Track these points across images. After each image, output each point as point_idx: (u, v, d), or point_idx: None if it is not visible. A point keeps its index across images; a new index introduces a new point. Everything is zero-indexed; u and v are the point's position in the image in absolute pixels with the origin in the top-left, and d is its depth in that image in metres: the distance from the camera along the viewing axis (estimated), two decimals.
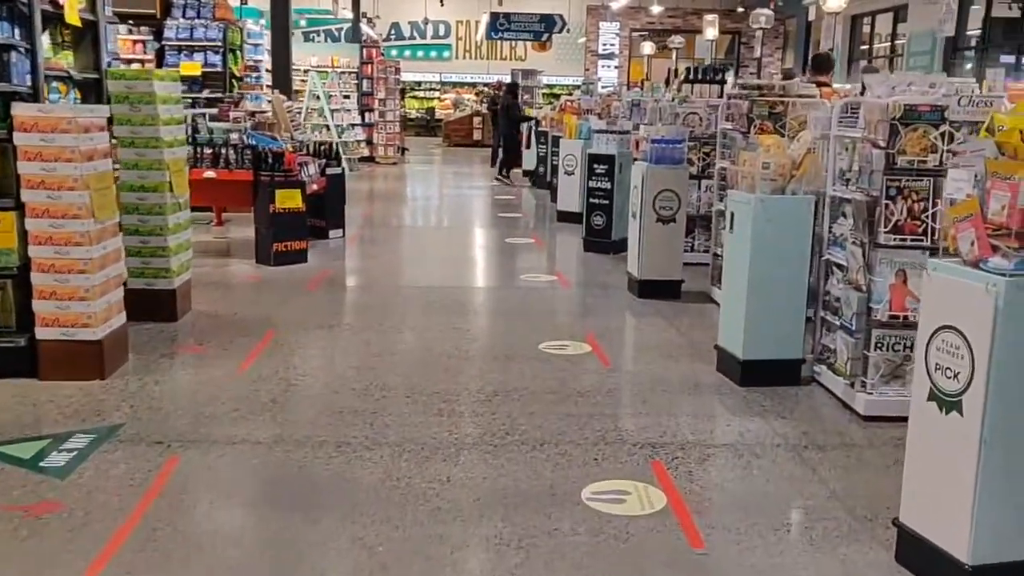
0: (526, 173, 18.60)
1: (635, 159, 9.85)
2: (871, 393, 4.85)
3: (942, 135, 4.60)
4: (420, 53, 33.84)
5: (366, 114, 21.63)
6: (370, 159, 21.46)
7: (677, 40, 14.82)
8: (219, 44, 12.26)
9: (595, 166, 9.96)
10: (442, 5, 24.86)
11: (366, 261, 9.61)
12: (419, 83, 34.49)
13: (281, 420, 4.67)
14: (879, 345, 4.82)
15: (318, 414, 4.78)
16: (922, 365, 3.23)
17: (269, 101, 11.55)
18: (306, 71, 20.58)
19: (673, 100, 9.38)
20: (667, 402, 5.10)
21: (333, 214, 10.54)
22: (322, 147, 10.52)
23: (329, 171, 10.41)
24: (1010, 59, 18.43)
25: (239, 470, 4.10)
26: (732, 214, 5.49)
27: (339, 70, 21.34)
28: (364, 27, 25.99)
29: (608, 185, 9.90)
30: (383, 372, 5.51)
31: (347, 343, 6.20)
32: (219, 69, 12.26)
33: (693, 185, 8.80)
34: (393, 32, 33.51)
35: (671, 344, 6.32)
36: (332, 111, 19.13)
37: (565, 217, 12.25)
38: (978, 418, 2.97)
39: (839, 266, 5.22)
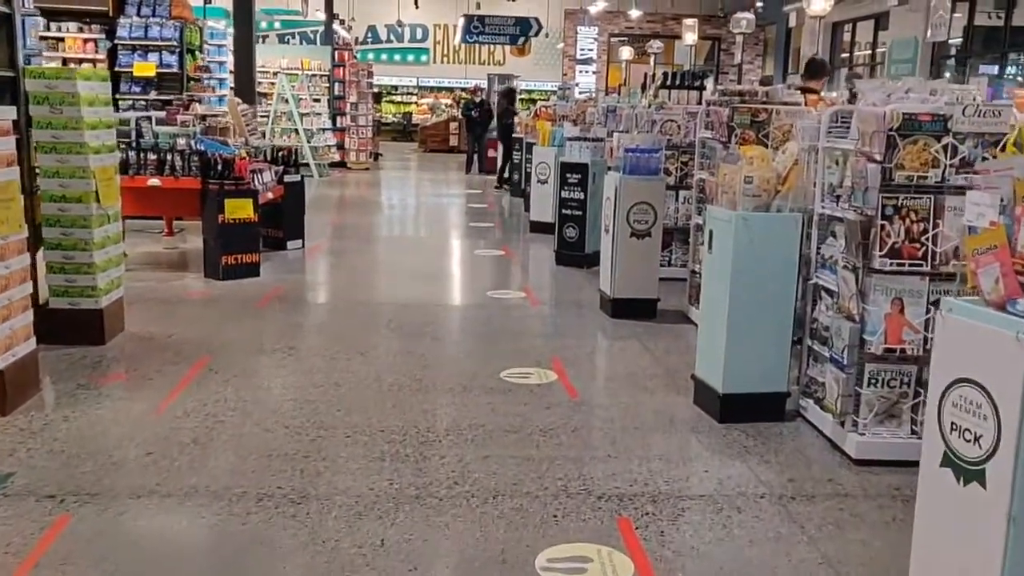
0: (500, 180, 18.09)
1: (609, 168, 9.37)
2: (863, 434, 4.35)
3: (944, 148, 4.11)
4: (397, 57, 33.29)
5: (338, 118, 21.05)
6: (341, 164, 20.87)
7: (656, 45, 14.39)
8: (175, 44, 11.66)
9: (568, 175, 9.45)
10: (416, 7, 24.27)
11: (324, 275, 9.04)
12: (396, 87, 33.94)
13: (199, 467, 4.11)
14: (873, 381, 4.32)
15: (243, 459, 4.22)
16: (934, 423, 2.71)
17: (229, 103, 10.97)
18: (275, 74, 20.00)
19: (649, 106, 8.89)
20: (639, 442, 4.57)
21: (292, 224, 9.98)
22: (280, 153, 9.94)
23: (287, 179, 9.84)
24: (991, 68, 18.15)
25: (136, 534, 3.53)
26: (711, 232, 4.98)
27: (310, 73, 20.75)
28: (337, 28, 25.43)
29: (581, 195, 9.39)
30: (324, 407, 4.95)
31: (289, 371, 5.63)
32: (175, 70, 11.65)
33: (670, 196, 8.32)
34: (370, 35, 32.94)
35: (645, 372, 5.80)
36: (301, 115, 18.54)
37: (538, 227, 11.74)
38: (1006, 492, 2.45)
39: (828, 291, 4.72)
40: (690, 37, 14.39)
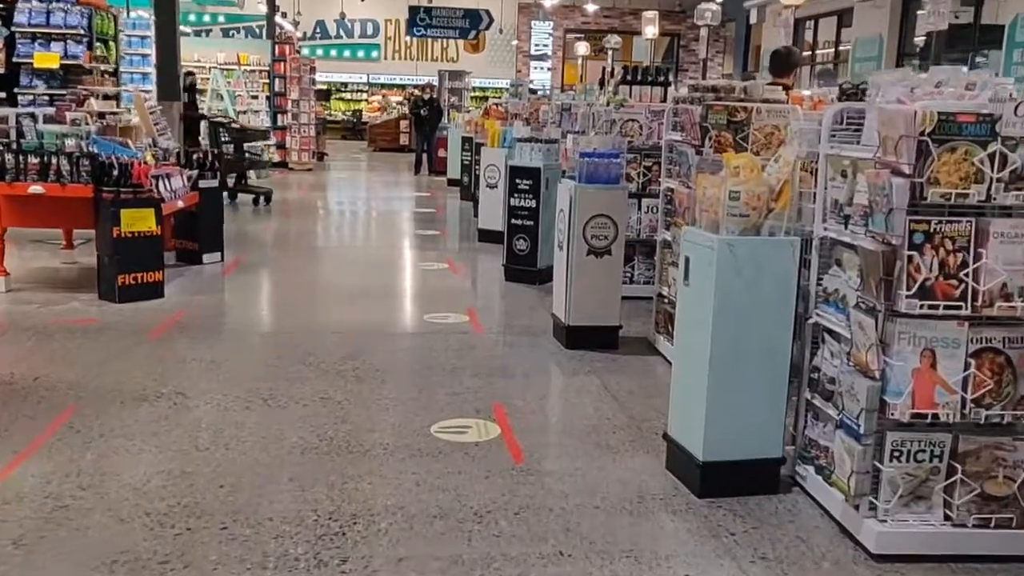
0: (451, 183, 17.09)
1: (564, 174, 8.45)
2: (885, 521, 3.42)
3: (991, 157, 3.19)
4: (347, 53, 32.12)
5: (278, 116, 19.87)
6: (282, 165, 19.70)
7: (614, 40, 13.54)
8: (82, 32, 10.44)
9: (517, 181, 8.47)
10: (362, 0, 23.14)
11: (239, 295, 7.93)
12: (345, 84, 32.77)
13: None
14: (897, 454, 3.40)
15: (76, 569, 3.17)
16: None
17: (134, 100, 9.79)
18: (211, 69, 18.76)
19: (608, 104, 7.94)
20: (600, 531, 3.59)
21: (208, 235, 8.88)
22: (195, 155, 8.82)
23: (203, 184, 8.74)
24: (958, 68, 17.52)
25: None
26: (687, 260, 4.02)
27: (247, 68, 19.53)
28: (281, 21, 24.23)
29: (533, 203, 8.42)
30: (203, 481, 3.91)
31: (170, 427, 4.57)
32: (82, 62, 10.43)
33: (632, 205, 7.38)
34: (318, 31, 31.74)
35: (607, 422, 4.83)
36: (238, 113, 17.36)
37: (487, 236, 10.74)
38: None
39: (832, 333, 3.79)
40: (650, 31, 13.52)
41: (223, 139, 13.54)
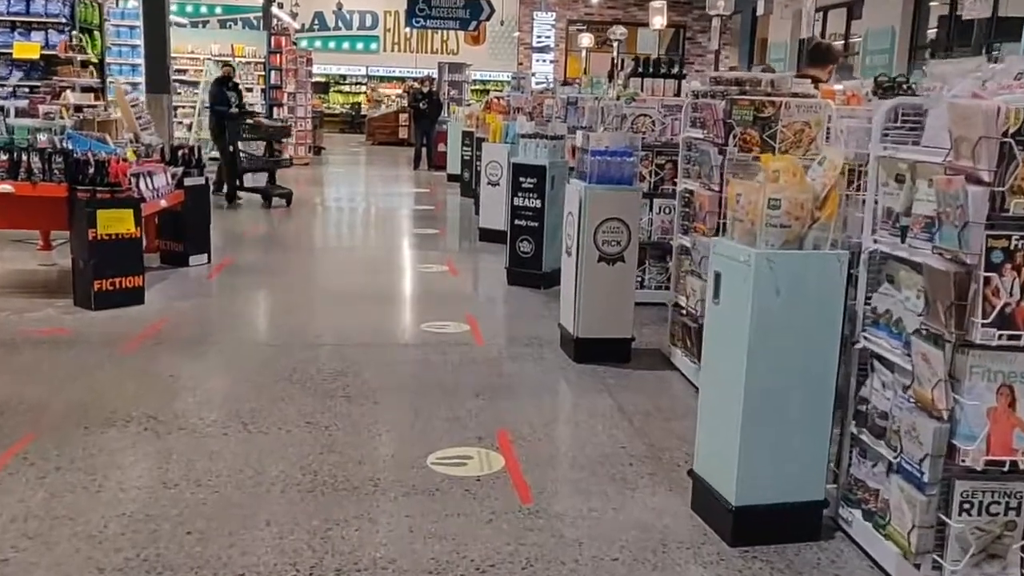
0: (451, 178, 16.61)
1: (571, 171, 7.99)
2: None
3: None
4: (346, 45, 31.57)
5: (274, 109, 19.37)
6: None
7: (619, 31, 13.03)
8: (64, 21, 9.95)
9: (521, 179, 7.98)
10: None
11: (224, 301, 7.44)
12: (344, 77, 32.25)
13: None
14: (967, 507, 2.93)
15: None
16: None
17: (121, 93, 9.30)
18: (204, 61, 18.25)
19: (618, 99, 7.45)
20: None
21: (194, 235, 8.40)
22: (180, 151, 8.34)
23: (188, 182, 8.26)
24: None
25: None
26: (718, 276, 3.55)
27: (243, 60, 19.01)
28: (279, 13, 23.70)
29: (538, 203, 7.94)
30: (168, 527, 3.44)
31: (138, 458, 4.10)
32: (58, 51, 9.93)
33: (643, 206, 6.89)
34: (316, 22, 31.19)
35: (621, 451, 4.37)
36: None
37: (489, 236, 10.27)
38: None
39: (882, 360, 3.32)
40: (658, 21, 13.02)
41: (247, 136, 12.76)
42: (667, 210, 7.35)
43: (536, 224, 7.96)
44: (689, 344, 5.40)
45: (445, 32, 29.90)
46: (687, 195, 5.66)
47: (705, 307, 5.10)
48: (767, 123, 4.98)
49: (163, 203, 7.70)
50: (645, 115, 7.29)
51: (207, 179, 8.46)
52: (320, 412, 4.74)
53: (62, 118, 7.01)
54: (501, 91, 18.73)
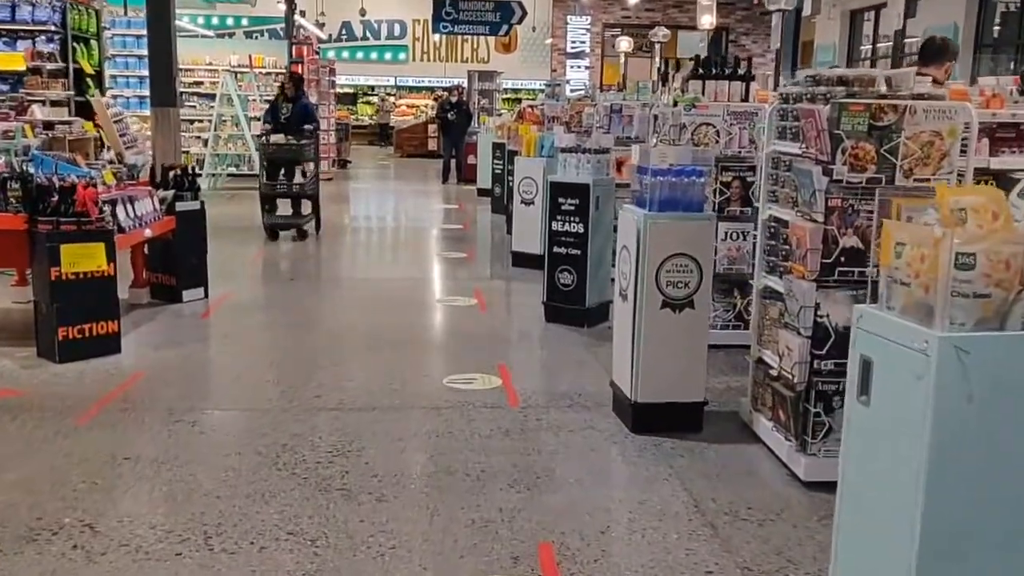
0: (481, 192, 15.54)
1: (617, 186, 6.96)
2: None
3: None
4: (374, 55, 30.71)
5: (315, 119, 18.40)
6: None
7: (661, 33, 11.91)
8: (55, 29, 9.01)
9: (561, 200, 6.87)
10: None
11: (214, 349, 6.36)
12: (372, 88, 31.38)
13: None
14: None
15: None
16: None
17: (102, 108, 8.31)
18: (222, 72, 17.35)
19: (675, 105, 6.31)
20: None
21: (188, 267, 7.38)
22: (172, 172, 7.32)
23: (180, 207, 7.24)
24: None
25: None
26: (867, 363, 2.40)
27: (262, 71, 18.09)
28: (303, 22, 22.86)
29: (580, 228, 6.82)
30: None
31: None
32: (56, 63, 8.99)
33: None
34: (344, 32, 30.35)
35: (705, 571, 3.23)
36: (249, 119, 15.95)
37: (522, 260, 9.18)
38: None
39: None
40: (707, 20, 11.89)
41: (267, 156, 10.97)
42: (734, 235, 6.23)
43: (578, 252, 6.85)
44: (782, 416, 4.24)
45: (475, 40, 28.92)
46: (773, 225, 4.51)
47: (800, 367, 3.96)
48: (886, 134, 3.83)
49: (147, 233, 6.68)
50: (708, 124, 6.16)
51: (202, 203, 7.41)
52: (308, 516, 3.64)
53: (27, 136, 6.01)
54: (534, 99, 17.66)
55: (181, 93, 17.07)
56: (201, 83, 16.97)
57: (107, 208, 5.98)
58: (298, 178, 10.39)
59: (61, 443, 4.38)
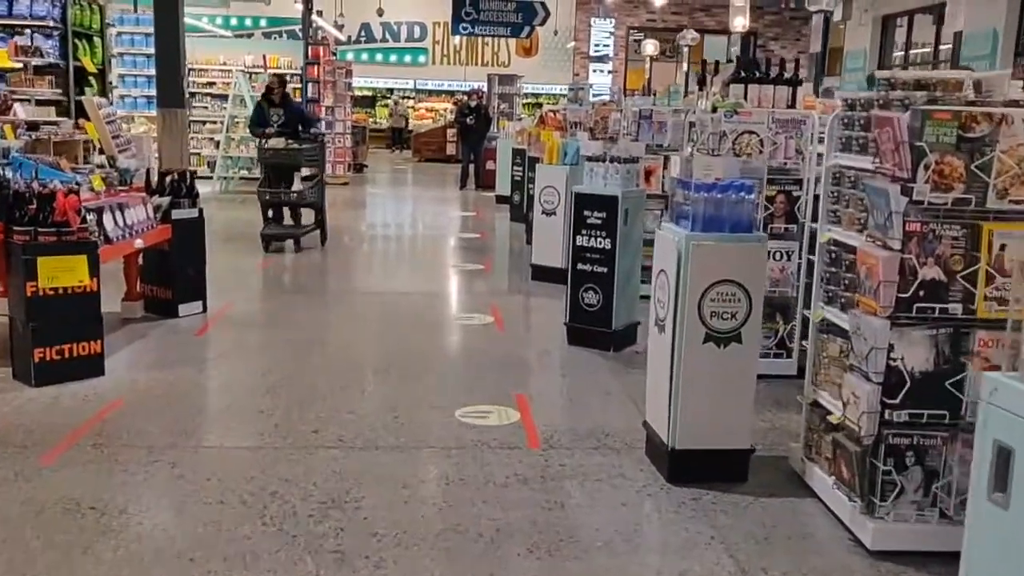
0: (500, 199, 15.02)
1: (653, 204, 6.49)
2: None
3: None
4: (393, 57, 30.28)
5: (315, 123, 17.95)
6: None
7: (690, 36, 11.35)
8: (54, 25, 8.55)
9: (587, 213, 6.33)
10: None
11: (205, 372, 5.77)
12: (391, 90, 30.94)
13: None
14: None
15: None
16: None
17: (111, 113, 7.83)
18: (235, 72, 16.92)
19: (714, 110, 5.75)
20: None
21: (185, 279, 6.88)
22: (168, 177, 6.83)
23: (177, 215, 6.74)
24: None
25: None
26: (1006, 453, 1.83)
27: (277, 71, 17.62)
28: (321, 22, 22.40)
29: (607, 244, 6.27)
30: None
31: None
32: (53, 60, 8.54)
33: None
34: (363, 34, 29.92)
35: None
36: None
37: (543, 274, 8.64)
38: None
39: None
40: (739, 22, 11.32)
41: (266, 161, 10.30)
42: (778, 255, 5.69)
43: (604, 270, 6.29)
44: (845, 472, 3.66)
45: (496, 43, 28.43)
46: (834, 249, 3.93)
47: (868, 418, 3.40)
48: (977, 147, 3.26)
49: (139, 243, 6.19)
50: (751, 132, 5.59)
51: (201, 211, 6.91)
52: None
53: (4, 138, 5.53)
54: (556, 104, 17.11)
55: (193, 94, 16.71)
56: (214, 83, 16.53)
57: (92, 217, 5.49)
58: (297, 185, 9.68)
59: (21, 487, 3.86)
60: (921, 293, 3.36)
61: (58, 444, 4.32)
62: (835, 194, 3.97)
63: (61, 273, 5.17)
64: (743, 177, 4.05)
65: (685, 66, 12.71)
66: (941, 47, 19.15)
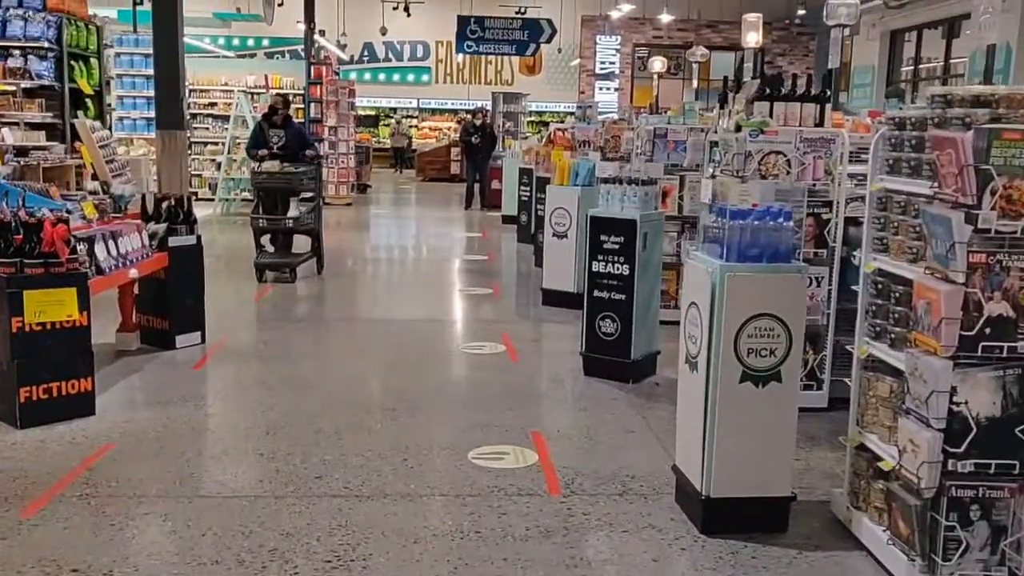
0: (506, 219, 14.73)
1: (670, 227, 6.24)
2: None
3: None
4: (396, 77, 30.14)
5: (313, 145, 17.69)
6: None
7: (700, 52, 11.05)
8: (48, 46, 8.29)
9: (603, 238, 6.03)
10: (408, 15, 20.98)
11: (202, 410, 5.39)
12: (395, 110, 30.77)
13: None
14: None
15: None
16: None
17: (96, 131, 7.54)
18: (237, 92, 16.69)
19: (738, 129, 5.45)
20: None
21: (183, 309, 6.58)
22: (165, 203, 6.54)
23: (174, 242, 6.45)
24: None
25: None
26: None
27: (278, 92, 17.40)
28: (324, 42, 22.23)
29: (625, 270, 5.96)
30: None
31: None
32: (48, 82, 8.27)
33: None
34: (366, 54, 29.80)
35: None
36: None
37: (554, 298, 8.35)
38: None
39: None
40: (752, 38, 11.07)
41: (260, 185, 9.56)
42: (808, 281, 5.34)
43: (623, 297, 5.98)
44: (902, 527, 3.33)
45: (499, 62, 28.30)
46: (881, 280, 3.62)
47: (929, 469, 3.07)
48: None
49: (133, 273, 5.89)
50: (778, 152, 5.28)
51: (199, 237, 6.62)
52: None
53: None
54: (562, 122, 16.85)
55: (194, 115, 16.49)
56: (215, 104, 16.29)
57: (82, 247, 5.19)
58: (292, 211, 9.11)
59: None
60: (987, 331, 3.04)
61: (41, 495, 4.00)
62: (881, 220, 3.66)
63: (49, 307, 4.87)
64: (781, 202, 3.74)
65: (695, 83, 12.43)
66: (952, 61, 18.90)
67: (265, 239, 9.57)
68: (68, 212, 5.29)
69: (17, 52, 7.97)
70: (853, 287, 4.71)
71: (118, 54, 13.08)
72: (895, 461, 3.31)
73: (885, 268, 3.58)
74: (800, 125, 5.49)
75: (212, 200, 15.30)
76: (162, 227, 6.39)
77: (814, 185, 5.39)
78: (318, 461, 4.50)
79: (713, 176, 4.80)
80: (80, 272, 4.99)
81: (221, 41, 26.90)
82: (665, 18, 18.90)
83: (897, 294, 3.47)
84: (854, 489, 3.80)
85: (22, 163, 5.99)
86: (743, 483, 3.74)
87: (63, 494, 4.02)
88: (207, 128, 16.01)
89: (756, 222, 3.63)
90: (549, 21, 15.94)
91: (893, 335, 3.50)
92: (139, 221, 6.26)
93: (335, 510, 3.94)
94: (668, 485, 4.18)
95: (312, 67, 18.15)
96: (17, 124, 7.33)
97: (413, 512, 3.97)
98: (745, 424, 3.69)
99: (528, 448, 4.74)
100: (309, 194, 9.30)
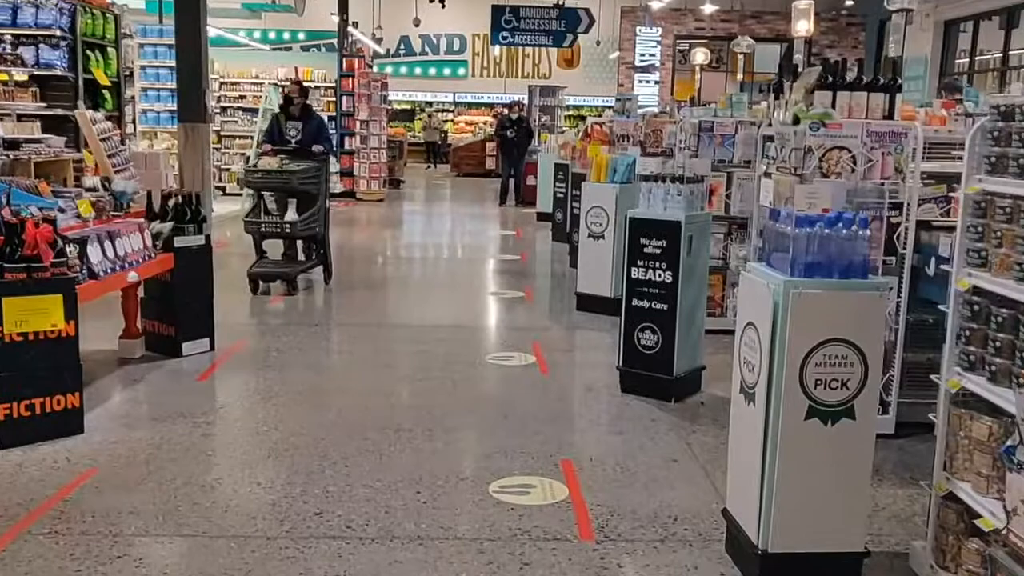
0: (541, 216, 14.22)
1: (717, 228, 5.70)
2: None
3: None
4: (432, 70, 29.71)
5: (345, 139, 17.33)
6: (349, 195, 17.18)
7: (745, 43, 10.42)
8: (61, 35, 7.90)
9: (644, 241, 5.47)
10: (443, 6, 20.49)
11: (202, 428, 4.92)
12: (430, 103, 30.35)
13: None
14: None
15: None
16: None
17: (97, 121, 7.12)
18: (267, 85, 16.34)
19: (797, 122, 4.86)
20: None
21: (190, 314, 6.14)
22: (172, 201, 6.10)
23: (180, 242, 6.01)
24: None
25: None
26: None
27: (311, 85, 17.01)
28: (359, 35, 21.82)
29: (668, 277, 5.40)
30: None
31: None
32: (60, 72, 7.88)
33: None
34: (402, 47, 29.40)
35: None
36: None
37: (589, 303, 7.82)
38: None
39: None
40: (802, 26, 10.41)
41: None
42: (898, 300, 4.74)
43: (665, 306, 5.43)
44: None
45: (537, 54, 27.74)
46: (978, 301, 3.03)
47: None
48: None
49: (132, 276, 5.45)
50: (841, 147, 4.67)
51: (207, 238, 6.17)
52: None
53: None
54: (599, 116, 16.26)
55: (224, 108, 16.15)
56: (244, 97, 15.94)
57: (73, 248, 4.75)
58: (290, 214, 8.13)
59: None
60: None
61: (6, 531, 3.55)
62: (979, 229, 3.07)
63: (31, 315, 4.43)
64: (856, 211, 3.17)
65: (739, 75, 11.79)
66: (1011, 52, 18.00)
67: (273, 245, 8.80)
68: (60, 210, 4.86)
69: (9, 37, 7.55)
70: (932, 301, 4.14)
71: (141, 44, 12.75)
72: (1000, 523, 2.73)
73: (983, 286, 2.99)
74: (866, 117, 4.89)
75: (240, 195, 14.94)
76: (167, 226, 5.95)
77: (882, 183, 4.80)
78: (320, 493, 4.01)
79: (767, 174, 4.23)
80: (67, 277, 4.54)
81: (256, 35, 26.65)
82: (708, 8, 18.21)
83: (1000, 318, 2.89)
84: (940, 545, 3.22)
85: (11, 157, 5.58)
86: (807, 536, 3.18)
87: (30, 531, 3.57)
88: (236, 121, 15.67)
89: (827, 230, 3.06)
90: (587, 11, 15.34)
91: (994, 367, 2.91)
92: (141, 220, 5.82)
93: (333, 555, 3.44)
94: (717, 528, 3.64)
95: (344, 60, 17.75)
96: (9, 115, 6.93)
97: (422, 559, 3.45)
98: (811, 468, 3.13)
99: (557, 480, 4.22)
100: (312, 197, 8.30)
